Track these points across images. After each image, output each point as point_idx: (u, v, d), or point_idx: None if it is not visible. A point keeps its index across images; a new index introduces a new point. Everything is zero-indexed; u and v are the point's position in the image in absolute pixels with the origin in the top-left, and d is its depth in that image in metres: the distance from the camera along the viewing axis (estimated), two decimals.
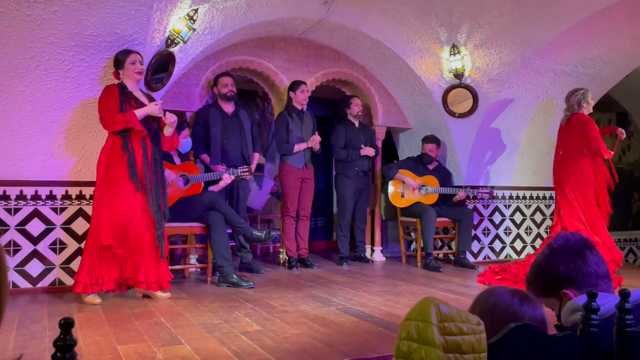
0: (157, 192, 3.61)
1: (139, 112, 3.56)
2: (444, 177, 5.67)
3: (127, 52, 3.66)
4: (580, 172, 4.57)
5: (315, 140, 5.11)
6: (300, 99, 5.12)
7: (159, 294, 3.68)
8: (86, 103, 3.94)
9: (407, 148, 6.30)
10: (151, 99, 3.74)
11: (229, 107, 4.83)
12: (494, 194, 5.70)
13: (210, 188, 4.48)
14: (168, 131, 3.73)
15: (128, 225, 3.51)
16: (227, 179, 4.44)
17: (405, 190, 5.54)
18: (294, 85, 5.14)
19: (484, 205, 5.93)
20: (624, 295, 1.21)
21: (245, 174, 4.49)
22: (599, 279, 1.39)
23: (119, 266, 3.53)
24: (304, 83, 5.19)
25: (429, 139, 5.61)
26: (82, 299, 3.51)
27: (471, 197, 5.64)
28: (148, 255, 3.57)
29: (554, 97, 5.65)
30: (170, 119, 3.69)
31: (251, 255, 4.97)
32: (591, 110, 4.68)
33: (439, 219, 5.42)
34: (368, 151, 5.49)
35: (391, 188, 5.60)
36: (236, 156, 4.78)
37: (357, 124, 5.62)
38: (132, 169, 3.51)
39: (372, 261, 5.74)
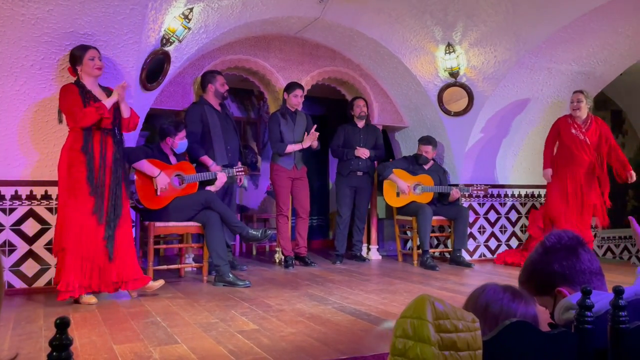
0: (115, 192, 3.54)
1: (107, 103, 3.50)
2: (440, 176, 5.68)
3: (85, 48, 3.55)
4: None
5: (308, 140, 5.09)
6: (293, 103, 5.13)
7: (151, 283, 3.69)
8: None
9: (403, 146, 6.31)
10: (110, 94, 3.61)
11: (217, 106, 4.79)
12: (489, 192, 5.72)
13: (207, 188, 4.46)
14: (114, 98, 3.55)
15: (97, 227, 3.46)
16: (222, 178, 4.43)
17: (399, 190, 5.56)
18: (289, 88, 5.14)
19: (479, 204, 5.95)
20: (618, 292, 1.22)
21: (240, 173, 4.48)
22: (592, 276, 1.39)
23: (88, 270, 3.42)
24: (300, 88, 5.15)
25: (426, 141, 5.61)
26: (78, 299, 3.49)
27: (466, 195, 5.66)
28: (107, 257, 3.51)
29: (549, 95, 5.68)
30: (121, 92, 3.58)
31: (231, 253, 4.95)
32: (575, 114, 5.07)
33: (434, 218, 5.43)
34: (361, 153, 5.48)
35: (386, 188, 5.62)
36: (236, 156, 4.82)
37: (361, 125, 5.61)
38: (90, 172, 3.43)
39: (369, 260, 5.75)
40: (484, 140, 5.80)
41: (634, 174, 5.02)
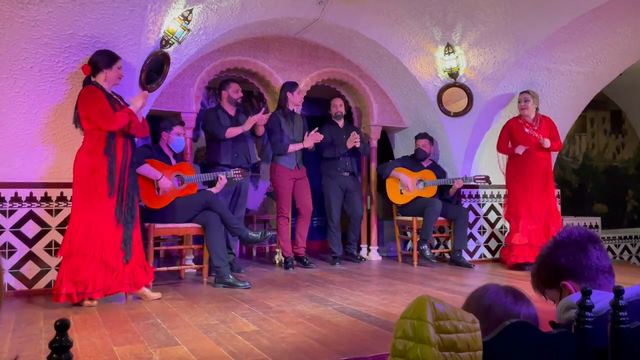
0: (132, 195, 3.60)
1: (134, 108, 3.57)
2: (439, 174, 5.69)
3: (116, 56, 3.62)
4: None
5: (310, 140, 5.11)
6: (297, 100, 5.18)
7: (148, 292, 3.71)
8: None
9: (403, 147, 6.31)
10: (118, 101, 3.68)
11: (232, 111, 4.94)
12: (491, 182, 5.67)
13: (208, 189, 4.49)
14: (137, 105, 3.63)
15: (116, 229, 3.49)
16: (222, 180, 4.45)
17: (402, 187, 5.57)
18: (292, 87, 5.17)
19: (479, 204, 5.95)
20: (618, 292, 1.22)
21: (238, 176, 4.53)
22: (598, 273, 1.40)
23: (103, 272, 3.45)
24: (298, 85, 5.26)
25: (422, 135, 5.71)
26: (80, 302, 3.47)
27: (469, 183, 5.59)
28: (123, 259, 3.54)
29: (548, 95, 5.68)
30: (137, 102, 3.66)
31: (234, 256, 4.99)
32: (523, 113, 5.23)
33: None
34: (354, 139, 5.36)
35: (389, 186, 5.62)
36: (242, 158, 4.89)
37: (341, 124, 5.62)
38: (111, 174, 3.47)
39: (364, 259, 5.72)
40: (483, 141, 5.80)
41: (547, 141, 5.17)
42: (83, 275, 3.37)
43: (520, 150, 5.15)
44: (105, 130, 3.47)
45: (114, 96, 3.65)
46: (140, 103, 3.62)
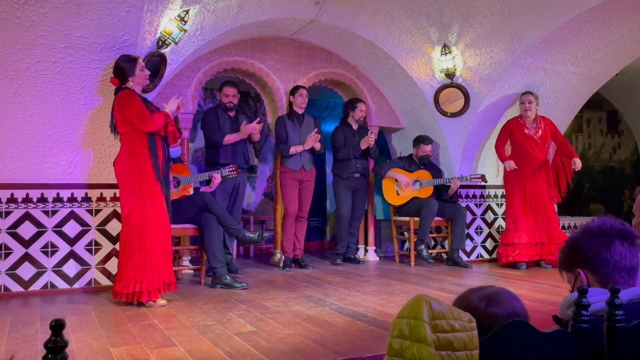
0: (168, 193, 3.71)
1: (170, 112, 3.64)
2: (436, 174, 5.69)
3: (134, 59, 3.62)
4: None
5: (310, 142, 5.12)
6: (299, 102, 5.22)
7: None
8: (77, 105, 3.92)
9: (400, 148, 6.31)
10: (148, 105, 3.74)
11: (232, 111, 5.01)
12: (487, 180, 5.69)
13: (203, 189, 4.50)
14: (172, 108, 3.73)
15: (167, 226, 3.60)
16: (217, 178, 4.48)
17: (399, 188, 5.57)
18: (293, 91, 5.28)
19: (476, 204, 5.96)
20: (614, 291, 1.22)
21: (232, 173, 4.56)
22: (616, 270, 1.35)
23: (165, 268, 3.55)
24: (304, 88, 5.29)
25: (427, 140, 5.64)
26: (147, 305, 3.48)
27: (465, 182, 5.61)
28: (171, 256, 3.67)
29: (545, 96, 5.69)
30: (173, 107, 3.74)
31: (231, 256, 5.00)
32: (525, 114, 5.31)
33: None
34: (365, 141, 5.44)
35: (386, 186, 5.63)
36: (241, 158, 4.94)
37: (355, 127, 5.63)
38: (157, 172, 3.55)
39: (363, 262, 5.73)
40: (480, 141, 5.81)
41: (578, 161, 5.24)
42: (158, 271, 3.46)
43: (509, 166, 5.24)
44: (143, 131, 3.49)
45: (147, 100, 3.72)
46: (174, 106, 3.68)
